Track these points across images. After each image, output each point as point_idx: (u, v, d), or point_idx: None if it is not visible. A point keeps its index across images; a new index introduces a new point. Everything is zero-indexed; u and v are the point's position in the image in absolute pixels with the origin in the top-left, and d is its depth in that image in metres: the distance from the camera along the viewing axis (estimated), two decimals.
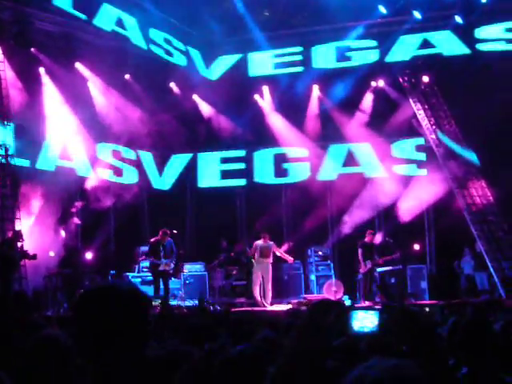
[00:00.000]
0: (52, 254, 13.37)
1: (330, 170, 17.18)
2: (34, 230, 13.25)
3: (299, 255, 15.95)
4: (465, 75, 14.93)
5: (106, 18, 14.95)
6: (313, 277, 15.93)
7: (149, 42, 16.04)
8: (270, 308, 13.85)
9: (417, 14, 15.92)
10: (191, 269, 15.38)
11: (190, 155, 18.07)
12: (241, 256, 15.70)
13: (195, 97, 17.71)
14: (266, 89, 17.73)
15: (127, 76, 16.26)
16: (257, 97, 17.82)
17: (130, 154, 17.08)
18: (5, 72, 13.66)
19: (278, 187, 17.80)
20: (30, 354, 2.69)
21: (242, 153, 17.92)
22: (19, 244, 12.06)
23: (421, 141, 16.59)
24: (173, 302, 13.73)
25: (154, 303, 12.06)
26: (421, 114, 16.28)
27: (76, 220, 14.22)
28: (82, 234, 14.94)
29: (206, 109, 17.86)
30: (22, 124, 13.87)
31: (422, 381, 1.52)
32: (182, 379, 2.42)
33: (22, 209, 13.19)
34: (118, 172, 16.66)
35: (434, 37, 16.10)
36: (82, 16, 14.45)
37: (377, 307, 11.88)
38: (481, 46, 15.63)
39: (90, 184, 15.30)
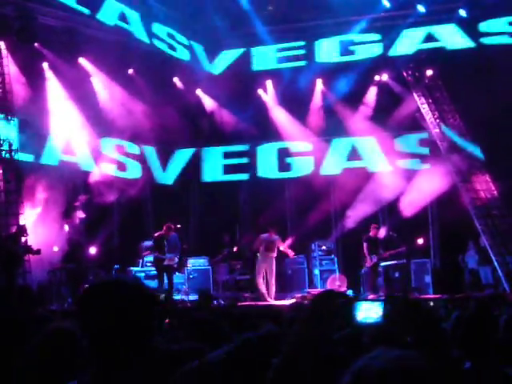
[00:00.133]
0: (56, 248, 13.39)
1: (334, 164, 17.14)
2: (38, 225, 13.28)
3: (303, 249, 15.96)
4: (469, 69, 14.87)
5: (110, 12, 14.97)
6: (316, 271, 15.93)
7: (152, 36, 16.04)
8: (273, 302, 13.83)
9: (420, 8, 15.87)
10: (195, 263, 15.37)
11: (193, 150, 18.08)
12: (246, 249, 15.68)
13: (198, 91, 17.69)
14: (269, 83, 17.69)
15: (130, 71, 16.24)
16: (260, 91, 17.78)
17: (134, 148, 17.09)
18: (8, 67, 13.69)
19: (281, 182, 17.77)
20: (43, 347, 2.67)
21: (245, 147, 17.91)
22: (23, 239, 12.10)
23: (424, 135, 16.55)
24: (176, 297, 13.76)
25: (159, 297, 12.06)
26: (425, 108, 16.22)
27: (80, 213, 14.21)
28: (85, 229, 14.93)
29: (209, 103, 17.85)
30: (26, 119, 13.89)
31: (426, 371, 1.52)
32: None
33: (26, 203, 13.23)
34: (121, 167, 16.69)
35: (438, 30, 16.06)
36: (86, 11, 14.47)
37: (381, 298, 11.87)
38: (485, 40, 15.58)
39: (93, 179, 15.33)
